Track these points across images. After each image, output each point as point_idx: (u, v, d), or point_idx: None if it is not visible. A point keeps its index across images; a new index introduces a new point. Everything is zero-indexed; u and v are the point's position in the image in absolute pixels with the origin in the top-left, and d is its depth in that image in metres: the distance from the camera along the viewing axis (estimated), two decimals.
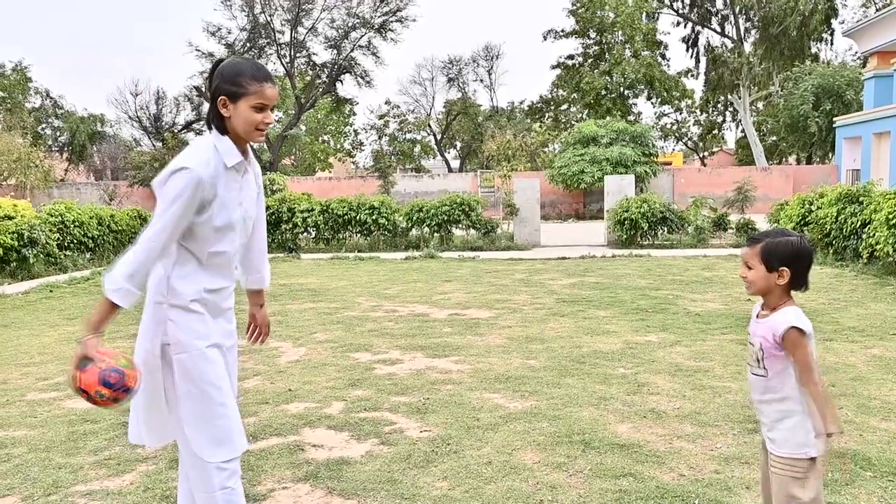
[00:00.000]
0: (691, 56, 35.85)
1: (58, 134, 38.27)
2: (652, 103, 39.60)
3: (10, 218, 11.41)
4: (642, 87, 36.93)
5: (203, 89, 32.90)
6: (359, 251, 14.84)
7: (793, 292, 2.30)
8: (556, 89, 41.77)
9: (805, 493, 2.20)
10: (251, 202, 2.46)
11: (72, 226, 12.72)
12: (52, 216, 12.45)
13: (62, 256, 12.23)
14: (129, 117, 37.24)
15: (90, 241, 13.19)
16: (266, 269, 2.70)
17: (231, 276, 2.46)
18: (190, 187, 2.19)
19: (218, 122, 2.31)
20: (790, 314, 2.21)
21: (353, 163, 48.69)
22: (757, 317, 2.35)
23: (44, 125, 37.84)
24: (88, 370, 2.16)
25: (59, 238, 12.28)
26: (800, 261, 2.23)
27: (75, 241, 12.79)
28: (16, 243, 11.02)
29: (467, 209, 15.28)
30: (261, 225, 2.60)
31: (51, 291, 9.81)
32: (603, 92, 36.49)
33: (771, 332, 2.22)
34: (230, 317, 2.51)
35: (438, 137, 44.59)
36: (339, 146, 47.09)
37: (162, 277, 2.31)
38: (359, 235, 15.73)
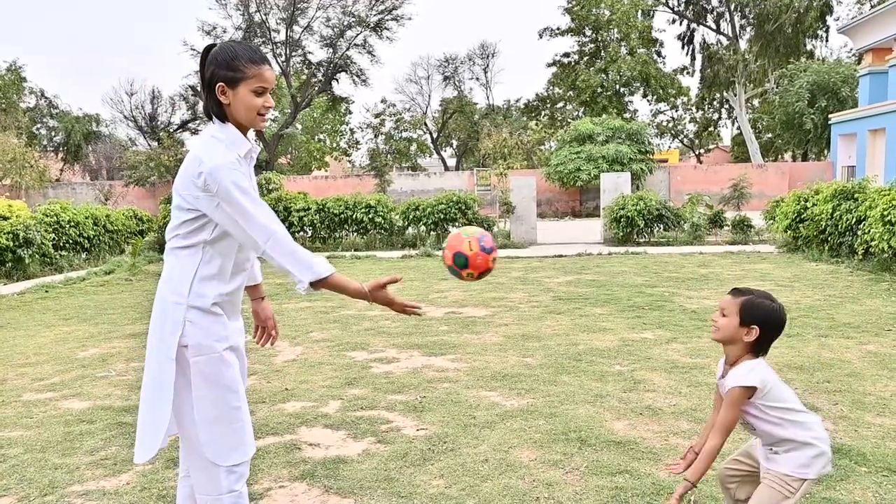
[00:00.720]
0: (687, 53, 35.88)
1: (53, 134, 38.12)
2: (648, 101, 39.65)
3: (6, 218, 11.38)
4: (638, 84, 36.94)
5: (197, 86, 32.82)
6: (355, 250, 14.84)
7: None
8: (551, 87, 41.77)
9: None
10: (256, 188, 2.41)
11: (67, 226, 12.70)
12: (47, 216, 12.42)
13: (58, 257, 12.21)
14: (125, 117, 37.16)
15: (86, 241, 13.17)
16: (257, 264, 2.64)
17: (248, 271, 2.42)
18: (234, 173, 2.14)
19: (217, 111, 2.24)
20: (741, 370, 2.28)
21: (349, 161, 48.59)
22: (722, 376, 2.39)
23: (39, 125, 37.69)
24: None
25: (54, 238, 12.26)
26: (772, 327, 2.31)
27: (71, 242, 12.77)
28: (11, 244, 11.00)
29: (464, 207, 15.27)
30: None
31: (46, 292, 9.79)
32: (599, 90, 36.49)
33: (725, 389, 2.30)
34: (240, 315, 2.49)
35: (434, 136, 44.55)
36: (335, 145, 47.02)
37: (184, 277, 2.23)
38: (355, 234, 15.72)
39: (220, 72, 2.19)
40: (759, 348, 2.32)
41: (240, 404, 2.30)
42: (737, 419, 2.29)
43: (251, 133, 2.39)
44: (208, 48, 2.26)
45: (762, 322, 2.28)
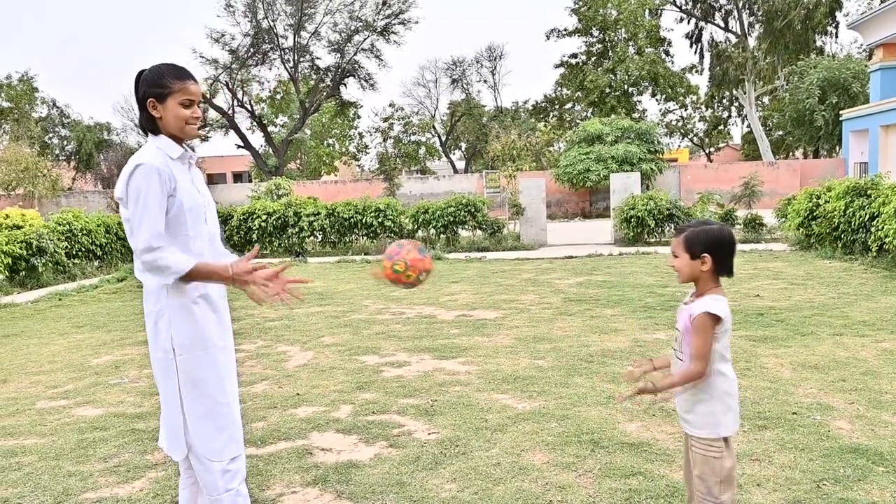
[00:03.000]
0: (695, 52, 35.67)
1: (65, 143, 38.48)
2: (656, 100, 39.47)
3: (19, 227, 11.49)
4: (646, 84, 36.82)
5: (208, 96, 33.02)
6: (365, 254, 14.86)
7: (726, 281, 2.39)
8: (560, 88, 41.69)
9: (719, 470, 2.30)
10: (206, 191, 2.53)
11: (80, 234, 12.78)
12: (60, 225, 12.51)
13: (70, 265, 12.29)
14: (135, 125, 37.41)
15: (98, 249, 13.26)
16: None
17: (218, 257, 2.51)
18: (153, 176, 2.28)
19: (151, 126, 2.42)
20: (709, 300, 2.30)
21: (358, 166, 48.70)
22: (685, 303, 2.42)
23: (51, 135, 38.06)
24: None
25: (67, 246, 12.35)
26: (720, 248, 2.33)
27: (83, 250, 12.85)
28: (24, 252, 11.09)
29: (473, 210, 15.26)
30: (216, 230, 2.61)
31: (59, 300, 9.86)
32: (607, 90, 36.40)
33: (689, 315, 2.31)
34: (227, 314, 2.57)
35: (443, 139, 44.59)
36: (344, 149, 47.16)
37: (155, 282, 2.34)
38: (365, 238, 15.74)
39: (150, 90, 2.38)
40: (720, 272, 2.35)
41: (227, 401, 2.42)
42: (710, 346, 2.27)
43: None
44: (140, 72, 2.44)
45: (710, 248, 2.32)
